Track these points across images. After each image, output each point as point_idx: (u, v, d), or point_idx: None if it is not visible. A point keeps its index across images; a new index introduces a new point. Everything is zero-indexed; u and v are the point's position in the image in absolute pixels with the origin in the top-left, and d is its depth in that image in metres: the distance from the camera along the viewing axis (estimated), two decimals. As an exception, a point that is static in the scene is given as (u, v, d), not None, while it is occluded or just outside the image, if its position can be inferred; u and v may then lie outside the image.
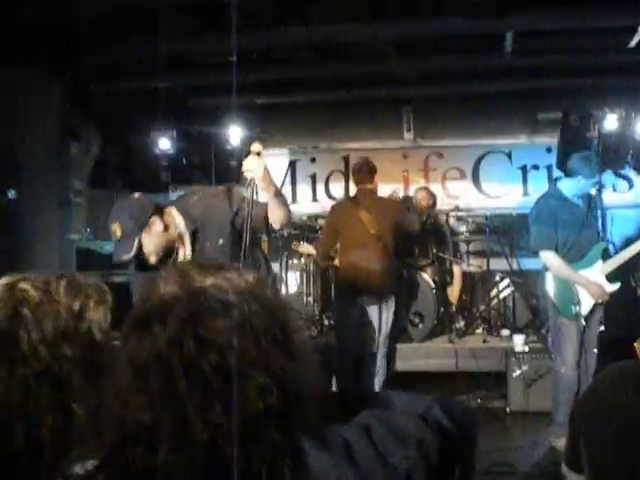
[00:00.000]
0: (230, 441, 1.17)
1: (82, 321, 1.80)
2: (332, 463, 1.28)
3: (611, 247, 6.59)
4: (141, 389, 1.22)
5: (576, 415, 1.84)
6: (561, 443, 5.91)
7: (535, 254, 6.37)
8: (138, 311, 1.31)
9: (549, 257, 6.19)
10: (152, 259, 4.17)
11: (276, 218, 4.51)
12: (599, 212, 8.54)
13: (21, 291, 1.76)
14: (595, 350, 6.32)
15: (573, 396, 6.16)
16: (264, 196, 4.36)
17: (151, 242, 4.15)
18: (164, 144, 9.09)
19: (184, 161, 9.43)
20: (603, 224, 8.94)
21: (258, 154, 4.43)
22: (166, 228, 4.20)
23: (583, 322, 6.12)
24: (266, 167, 4.41)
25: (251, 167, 4.32)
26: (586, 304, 6.14)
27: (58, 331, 1.73)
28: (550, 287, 6.26)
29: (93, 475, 1.25)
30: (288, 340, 1.31)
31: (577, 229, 6.21)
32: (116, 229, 4.08)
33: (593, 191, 6.47)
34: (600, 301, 6.16)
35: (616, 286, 6.23)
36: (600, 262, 6.22)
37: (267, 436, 1.21)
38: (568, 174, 6.35)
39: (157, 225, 4.15)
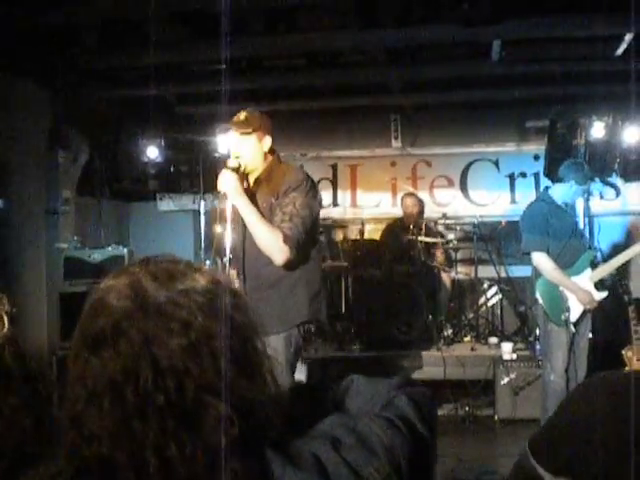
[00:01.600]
0: (192, 478, 1.14)
1: None
2: None
3: (598, 254, 6.59)
4: (96, 416, 1.16)
5: (560, 422, 1.83)
6: None
7: (523, 261, 6.41)
8: (87, 327, 1.22)
9: (542, 259, 6.21)
10: None
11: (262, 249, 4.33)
12: (586, 220, 8.61)
13: None
14: (584, 357, 6.35)
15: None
16: None
17: None
18: (152, 152, 9.08)
19: (172, 169, 9.41)
20: (590, 231, 9.01)
21: (235, 170, 4.34)
22: None
23: (572, 329, 6.15)
24: (238, 188, 4.25)
25: (223, 184, 4.29)
26: (575, 311, 6.18)
27: None
28: (540, 293, 6.28)
29: None
30: (249, 359, 1.25)
31: (567, 236, 6.25)
32: None
33: (579, 201, 6.52)
34: (588, 308, 6.20)
35: (604, 294, 6.26)
36: (589, 270, 6.25)
37: (233, 469, 1.15)
38: (559, 180, 6.40)
39: None
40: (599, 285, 6.28)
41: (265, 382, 1.26)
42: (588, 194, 7.12)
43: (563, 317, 6.14)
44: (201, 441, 1.14)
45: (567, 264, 6.24)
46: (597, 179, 9.33)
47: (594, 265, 6.34)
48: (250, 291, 4.38)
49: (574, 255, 6.29)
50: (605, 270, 6.29)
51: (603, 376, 1.88)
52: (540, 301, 6.25)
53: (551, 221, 6.25)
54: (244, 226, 4.43)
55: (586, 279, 6.24)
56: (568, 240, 6.26)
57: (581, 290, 6.18)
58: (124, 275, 1.26)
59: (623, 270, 7.10)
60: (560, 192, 6.35)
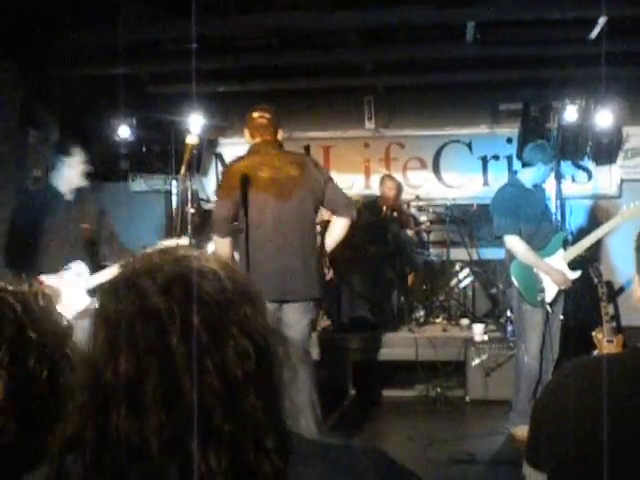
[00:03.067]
0: (218, 403, 1.17)
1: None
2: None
3: (570, 237, 6.63)
4: (124, 345, 1.20)
5: (537, 413, 1.82)
6: (520, 432, 6.03)
7: (495, 243, 6.46)
8: (121, 273, 1.30)
9: (515, 242, 6.28)
10: None
11: None
12: (558, 202, 8.66)
13: None
14: (557, 338, 6.41)
15: (534, 384, 6.25)
16: None
17: None
18: (124, 132, 8.99)
19: (144, 149, 9.32)
20: (562, 214, 9.06)
21: None
22: None
23: (548, 309, 6.21)
24: None
25: None
26: (550, 291, 6.24)
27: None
28: (515, 275, 6.34)
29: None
30: (261, 318, 1.30)
31: (538, 219, 6.32)
32: None
33: (551, 183, 6.58)
34: (563, 288, 6.26)
35: (577, 274, 6.34)
36: (561, 250, 6.34)
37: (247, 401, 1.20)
38: (526, 164, 6.47)
39: None
40: (572, 265, 6.34)
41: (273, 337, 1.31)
42: (559, 176, 7.16)
43: (539, 298, 6.21)
44: (222, 367, 1.20)
45: (540, 246, 6.30)
46: (569, 162, 9.40)
47: (566, 246, 6.41)
48: (288, 261, 5.24)
49: (546, 237, 6.36)
50: (577, 250, 6.37)
51: (574, 362, 1.88)
52: (515, 283, 6.30)
53: (521, 204, 6.32)
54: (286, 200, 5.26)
55: (559, 259, 6.31)
56: (539, 222, 6.32)
57: (555, 270, 6.26)
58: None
59: (594, 253, 7.16)
60: (528, 175, 6.43)
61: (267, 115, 5.55)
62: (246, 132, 5.63)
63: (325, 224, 6.13)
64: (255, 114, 5.58)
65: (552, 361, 6.34)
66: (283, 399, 1.28)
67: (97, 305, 1.29)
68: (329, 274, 6.55)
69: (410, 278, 9.10)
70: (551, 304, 6.30)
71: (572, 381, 1.76)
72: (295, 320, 5.34)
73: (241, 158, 5.55)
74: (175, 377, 1.16)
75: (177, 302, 1.20)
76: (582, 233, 8.18)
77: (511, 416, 6.45)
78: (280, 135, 5.61)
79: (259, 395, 1.20)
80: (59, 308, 1.76)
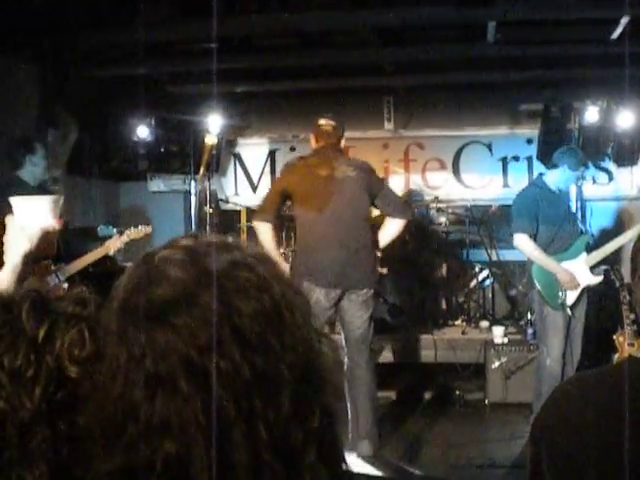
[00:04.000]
0: (275, 459, 0.98)
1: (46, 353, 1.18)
2: None
3: (590, 239, 6.57)
4: (162, 404, 0.98)
5: (537, 431, 1.78)
6: None
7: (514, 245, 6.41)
8: (140, 300, 1.04)
9: (522, 241, 6.27)
10: None
11: None
12: (579, 204, 8.60)
13: None
14: (580, 341, 6.36)
15: (551, 387, 6.20)
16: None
17: None
18: (142, 132, 8.99)
19: (162, 149, 9.32)
20: (582, 216, 9.00)
21: None
22: None
23: (569, 312, 6.17)
24: None
25: None
26: (572, 293, 6.19)
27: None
28: (536, 277, 6.31)
29: None
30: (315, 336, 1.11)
31: (559, 221, 6.27)
32: None
33: (573, 187, 6.55)
34: (566, 288, 6.21)
35: (599, 279, 6.28)
36: (584, 254, 6.29)
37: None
38: (553, 166, 6.43)
39: None
40: (594, 270, 6.30)
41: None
42: (582, 180, 7.10)
43: (559, 300, 6.16)
44: (283, 427, 1.00)
45: (561, 249, 6.26)
46: (590, 164, 9.33)
47: (589, 249, 6.36)
48: (344, 251, 5.65)
49: (568, 240, 6.32)
50: (600, 254, 6.32)
51: (573, 377, 1.85)
52: (537, 285, 6.26)
53: (542, 206, 6.29)
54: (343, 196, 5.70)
55: (581, 263, 6.26)
56: (561, 225, 6.28)
57: (563, 271, 6.21)
58: (174, 247, 1.11)
59: (615, 255, 7.07)
60: (553, 178, 6.38)
61: (332, 123, 6.00)
62: (312, 137, 6.09)
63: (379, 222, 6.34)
64: (322, 121, 6.01)
65: (573, 364, 6.29)
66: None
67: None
68: (383, 270, 6.92)
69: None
70: (572, 307, 6.25)
71: (572, 397, 1.73)
72: (356, 315, 5.74)
73: (302, 158, 6.12)
74: (228, 446, 0.97)
75: (228, 348, 1.00)
76: (603, 235, 8.12)
77: (532, 419, 6.40)
78: (342, 143, 6.08)
79: (320, 450, 1.03)
80: None
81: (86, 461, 1.04)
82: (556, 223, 6.27)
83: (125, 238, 6.75)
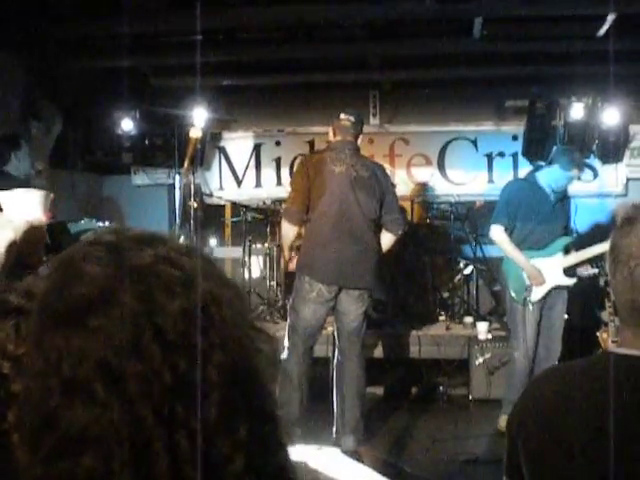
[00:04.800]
0: (196, 471, 0.90)
1: None
2: None
3: (575, 234, 6.58)
4: (80, 411, 0.89)
5: (513, 428, 1.78)
6: (503, 422, 6.09)
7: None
8: (58, 301, 0.95)
9: (497, 231, 6.39)
10: None
11: None
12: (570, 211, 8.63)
13: None
14: (558, 338, 6.38)
15: (524, 383, 6.26)
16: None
17: None
18: (127, 125, 8.95)
19: (147, 143, 9.27)
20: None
21: None
22: None
23: (531, 307, 6.25)
24: None
25: None
26: (537, 291, 6.24)
27: None
28: (505, 271, 6.47)
29: None
30: (249, 331, 1.03)
31: (540, 218, 6.29)
32: None
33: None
34: (531, 284, 6.26)
35: (572, 281, 6.32)
36: (560, 255, 6.31)
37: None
38: (549, 163, 6.50)
39: None
40: (569, 271, 6.32)
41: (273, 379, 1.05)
42: (577, 180, 7.11)
43: (524, 295, 6.24)
44: (208, 435, 0.92)
45: (537, 245, 6.34)
46: (584, 166, 9.37)
47: (568, 251, 6.38)
48: (348, 249, 5.66)
49: (546, 238, 6.36)
50: (577, 258, 6.35)
51: (544, 372, 1.85)
52: (505, 278, 6.36)
53: (524, 201, 6.36)
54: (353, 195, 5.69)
55: (555, 262, 6.29)
56: (540, 222, 6.31)
57: (531, 267, 6.27)
58: (95, 242, 1.02)
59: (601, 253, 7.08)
60: (545, 175, 6.44)
61: (351, 119, 5.98)
62: (330, 130, 6.04)
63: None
64: (342, 116, 5.99)
65: (552, 361, 6.31)
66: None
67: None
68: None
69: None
70: (548, 305, 6.35)
71: (546, 392, 1.73)
72: (351, 307, 5.75)
73: (319, 152, 6.13)
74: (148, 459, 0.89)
75: (147, 351, 0.91)
76: (587, 231, 8.15)
77: (502, 411, 6.47)
78: (359, 140, 6.06)
79: (250, 459, 0.94)
80: None
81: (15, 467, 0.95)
82: (535, 220, 6.32)
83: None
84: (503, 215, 6.38)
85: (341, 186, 5.70)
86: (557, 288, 6.36)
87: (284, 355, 5.66)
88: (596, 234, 6.70)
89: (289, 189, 6.12)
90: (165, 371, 0.90)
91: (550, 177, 6.37)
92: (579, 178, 6.45)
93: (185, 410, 0.90)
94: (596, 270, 6.46)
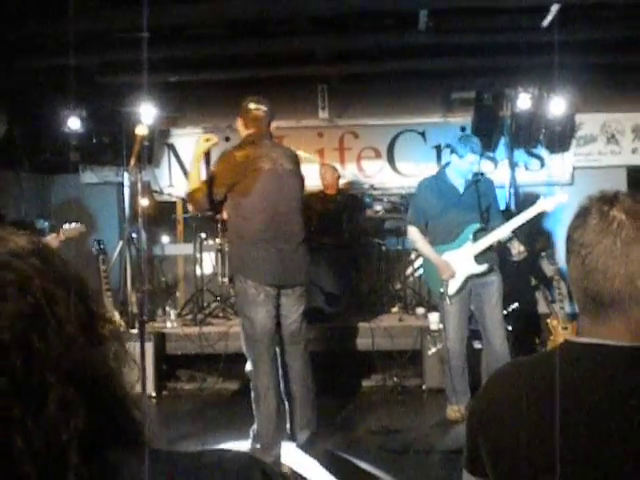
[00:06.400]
0: (33, 467, 0.90)
1: None
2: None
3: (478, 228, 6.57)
4: None
5: (472, 423, 1.79)
6: (449, 411, 6.46)
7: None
8: None
9: (411, 232, 6.55)
10: None
11: None
12: (512, 190, 8.68)
13: None
14: (497, 327, 6.41)
15: (458, 370, 6.51)
16: None
17: None
18: (73, 123, 8.87)
19: (94, 141, 9.19)
20: (516, 202, 9.11)
21: None
22: None
23: (449, 301, 6.35)
24: None
25: None
26: (453, 283, 6.36)
27: None
28: (423, 267, 6.78)
29: None
30: (94, 323, 1.03)
31: (449, 211, 6.36)
32: None
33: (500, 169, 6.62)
34: (445, 278, 6.35)
35: (483, 267, 6.37)
36: (469, 243, 6.38)
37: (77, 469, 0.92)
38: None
39: None
40: (480, 258, 6.37)
41: (120, 366, 1.05)
42: (513, 164, 7.17)
43: (441, 290, 6.35)
44: (45, 432, 0.91)
45: (447, 239, 6.40)
46: (522, 150, 9.46)
47: (477, 238, 6.40)
48: (286, 247, 5.55)
49: (455, 230, 6.40)
50: (484, 243, 6.38)
51: (502, 368, 1.87)
52: (423, 276, 6.57)
53: (430, 197, 6.47)
54: (283, 191, 5.58)
55: (465, 252, 6.35)
56: (447, 215, 6.37)
57: (440, 261, 6.38)
58: None
59: (548, 241, 7.16)
60: (450, 167, 6.55)
61: (263, 108, 5.74)
62: (239, 121, 5.81)
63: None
64: (252, 105, 5.75)
65: (497, 351, 6.35)
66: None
67: None
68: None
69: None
70: (479, 293, 6.47)
71: (507, 385, 1.74)
72: (292, 309, 5.69)
73: (239, 148, 5.73)
74: None
75: None
76: (534, 220, 8.24)
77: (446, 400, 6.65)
78: (272, 127, 5.85)
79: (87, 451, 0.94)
80: None
81: None
82: (442, 214, 6.39)
83: (62, 237, 6.67)
84: (414, 215, 6.55)
85: (271, 184, 5.54)
86: (471, 277, 6.41)
87: (248, 368, 5.56)
88: (543, 223, 6.75)
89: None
90: (1, 376, 0.90)
91: (452, 168, 6.47)
92: (477, 164, 6.45)
93: (21, 412, 0.90)
94: (525, 253, 6.49)
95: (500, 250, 6.59)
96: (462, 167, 6.35)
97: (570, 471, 1.52)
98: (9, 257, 0.98)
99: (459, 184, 6.42)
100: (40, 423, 0.91)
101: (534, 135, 8.93)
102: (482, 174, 6.58)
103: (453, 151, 6.40)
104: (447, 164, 6.65)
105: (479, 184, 6.43)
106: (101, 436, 0.98)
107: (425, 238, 6.49)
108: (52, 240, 6.61)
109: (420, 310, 8.50)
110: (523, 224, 6.35)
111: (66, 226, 6.93)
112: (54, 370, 0.93)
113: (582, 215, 1.63)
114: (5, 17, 7.12)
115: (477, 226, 6.40)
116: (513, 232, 6.38)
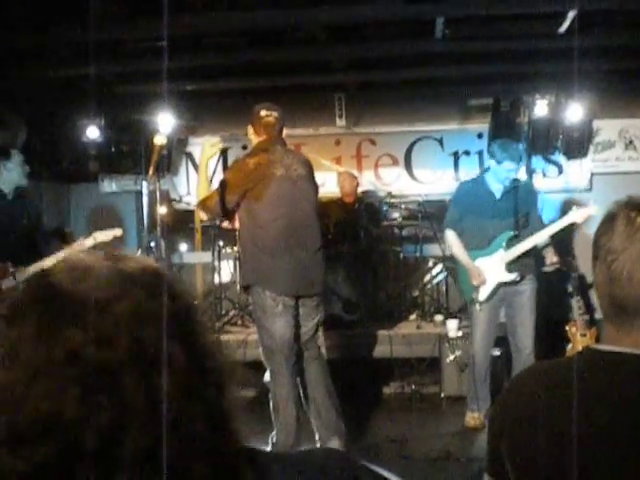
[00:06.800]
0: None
1: None
2: None
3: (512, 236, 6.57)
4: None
5: (495, 424, 1.80)
6: (468, 418, 6.46)
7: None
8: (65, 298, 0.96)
9: (448, 235, 6.57)
10: None
11: None
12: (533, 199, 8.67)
13: None
14: (527, 336, 6.40)
15: (482, 377, 6.51)
16: None
17: None
18: (92, 133, 8.91)
19: (113, 150, 9.23)
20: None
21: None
22: None
23: (478, 307, 6.41)
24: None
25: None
26: (484, 289, 6.33)
27: None
28: (458, 271, 6.69)
29: None
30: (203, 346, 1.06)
31: (485, 216, 6.36)
32: None
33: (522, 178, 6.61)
34: (476, 284, 6.38)
35: (513, 276, 6.36)
36: (502, 251, 6.36)
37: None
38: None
39: None
40: (512, 266, 6.37)
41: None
42: (530, 170, 7.16)
43: (473, 295, 6.40)
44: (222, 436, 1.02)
45: (481, 244, 6.39)
46: (540, 157, 9.44)
47: (510, 246, 6.39)
48: (303, 255, 5.46)
49: (490, 236, 6.39)
50: (515, 252, 6.36)
51: (528, 369, 1.88)
52: (458, 280, 6.66)
53: (467, 202, 6.47)
54: (297, 196, 5.51)
55: (497, 259, 6.34)
56: (484, 221, 6.37)
57: (472, 267, 6.39)
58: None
59: (569, 247, 7.14)
60: (489, 173, 6.50)
61: (274, 114, 5.67)
62: (250, 129, 5.73)
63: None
64: (263, 112, 5.66)
65: (524, 359, 6.33)
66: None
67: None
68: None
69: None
70: (509, 301, 6.48)
71: (528, 390, 1.74)
72: (308, 318, 5.62)
73: (251, 155, 5.69)
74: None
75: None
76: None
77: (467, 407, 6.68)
78: (284, 133, 5.76)
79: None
80: None
81: None
82: (478, 220, 6.40)
83: (90, 241, 6.61)
84: (452, 218, 6.54)
85: (286, 191, 5.46)
86: (503, 285, 6.41)
87: (267, 378, 5.53)
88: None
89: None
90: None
91: (490, 173, 6.46)
92: (517, 170, 6.45)
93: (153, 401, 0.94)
94: (558, 264, 6.49)
95: (537, 258, 6.57)
96: (500, 173, 6.33)
97: (588, 477, 1.52)
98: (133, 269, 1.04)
99: (497, 189, 6.41)
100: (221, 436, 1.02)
101: (552, 141, 8.90)
102: (520, 180, 6.61)
103: (492, 157, 6.39)
104: (487, 169, 6.67)
105: (518, 190, 6.45)
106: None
107: (461, 242, 6.49)
108: (79, 244, 6.60)
109: (438, 317, 8.48)
110: (555, 233, 6.37)
111: (99, 232, 6.86)
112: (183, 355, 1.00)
113: (609, 221, 1.63)
114: (25, 27, 7.17)
115: (510, 234, 6.40)
116: (549, 239, 6.42)
